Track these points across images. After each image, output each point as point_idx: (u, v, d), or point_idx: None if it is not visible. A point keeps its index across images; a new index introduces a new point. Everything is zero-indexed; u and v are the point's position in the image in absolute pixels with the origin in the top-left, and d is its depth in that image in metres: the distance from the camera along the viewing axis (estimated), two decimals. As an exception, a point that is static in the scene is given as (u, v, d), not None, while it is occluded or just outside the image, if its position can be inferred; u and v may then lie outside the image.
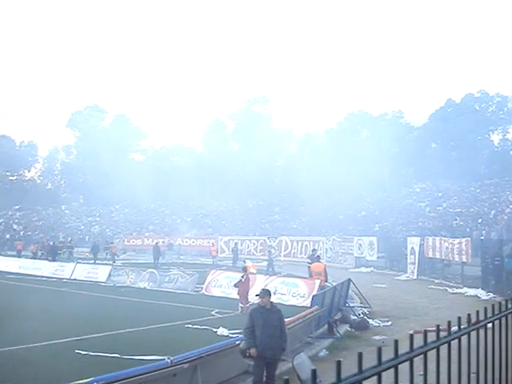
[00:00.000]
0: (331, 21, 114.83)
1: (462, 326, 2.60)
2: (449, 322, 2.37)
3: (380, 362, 1.92)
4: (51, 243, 49.23)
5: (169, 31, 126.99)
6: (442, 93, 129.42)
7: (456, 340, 2.51)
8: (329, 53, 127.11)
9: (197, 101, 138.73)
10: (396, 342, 2.12)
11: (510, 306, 3.04)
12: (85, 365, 11.96)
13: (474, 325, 2.58)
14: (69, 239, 56.30)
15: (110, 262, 40.59)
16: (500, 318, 2.91)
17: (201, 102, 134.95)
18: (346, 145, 71.98)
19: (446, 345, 2.47)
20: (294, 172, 76.21)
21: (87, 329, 16.18)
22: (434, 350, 2.25)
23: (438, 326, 2.17)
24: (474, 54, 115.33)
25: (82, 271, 32.75)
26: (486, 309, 2.95)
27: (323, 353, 14.19)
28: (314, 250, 33.42)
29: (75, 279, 31.64)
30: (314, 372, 1.86)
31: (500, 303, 3.11)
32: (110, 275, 30.51)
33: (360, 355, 1.89)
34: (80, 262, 37.24)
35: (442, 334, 2.30)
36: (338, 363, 1.74)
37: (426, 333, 2.14)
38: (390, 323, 18.06)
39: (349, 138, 74.58)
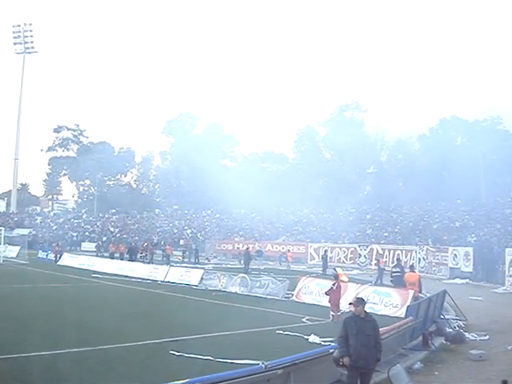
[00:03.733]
0: (419, 23, 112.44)
1: None
2: None
3: None
4: (132, 244, 52.04)
5: (260, 37, 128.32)
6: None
7: None
8: (420, 57, 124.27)
9: (288, 107, 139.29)
10: None
11: None
12: (179, 366, 12.16)
13: None
14: (154, 241, 58.37)
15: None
16: None
17: (292, 109, 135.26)
18: (440, 151, 69.97)
19: None
20: (385, 179, 75.05)
21: (181, 330, 16.51)
22: None
23: None
24: None
25: (176, 274, 33.51)
26: None
27: (418, 365, 13.84)
28: (398, 259, 32.77)
29: (169, 281, 32.42)
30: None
31: None
32: (202, 279, 31.04)
33: None
34: (173, 265, 38.25)
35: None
36: None
37: None
38: (487, 337, 17.39)
39: (443, 144, 72.47)
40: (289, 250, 51.12)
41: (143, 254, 47.92)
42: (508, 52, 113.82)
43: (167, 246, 52.07)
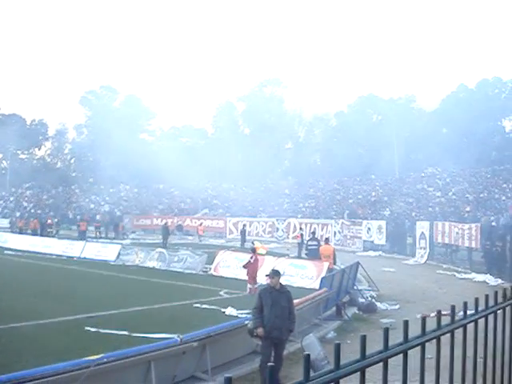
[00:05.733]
0: (344, 3, 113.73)
1: (477, 310, 2.54)
2: (465, 304, 2.31)
3: (387, 347, 1.84)
4: (46, 221, 52.56)
5: (181, 12, 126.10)
6: (455, 78, 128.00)
7: (472, 324, 2.43)
8: (340, 35, 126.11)
9: (207, 82, 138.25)
10: (406, 322, 2.05)
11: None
12: (94, 342, 12.03)
13: (492, 307, 2.54)
14: (70, 216, 58.13)
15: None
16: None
17: (211, 84, 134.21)
18: (356, 128, 71.63)
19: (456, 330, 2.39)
20: (303, 155, 76.22)
21: (97, 306, 16.27)
22: (449, 333, 2.17)
23: (453, 308, 2.10)
24: (489, 40, 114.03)
25: (92, 250, 32.92)
26: (496, 292, 2.92)
27: (331, 334, 14.27)
28: (313, 232, 33.44)
29: (85, 258, 31.83)
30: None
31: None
32: (119, 254, 30.65)
33: (363, 338, 1.85)
34: (90, 241, 37.54)
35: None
36: (337, 347, 1.68)
37: (440, 315, 2.05)
38: (398, 307, 18.12)
39: (359, 121, 74.21)
40: (201, 224, 51.03)
41: (51, 230, 48.33)
42: (423, 35, 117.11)
43: (81, 222, 51.22)
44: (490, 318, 2.64)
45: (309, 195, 61.58)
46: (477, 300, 2.46)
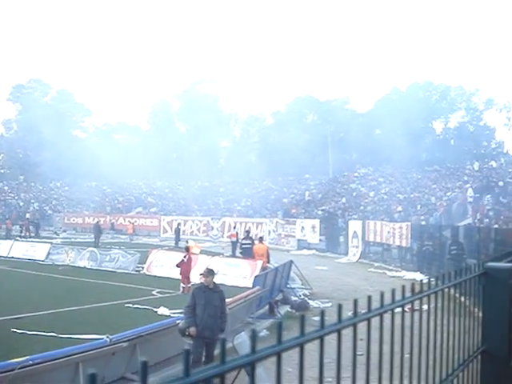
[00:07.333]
0: (281, 4, 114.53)
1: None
2: (382, 294, 2.39)
3: (323, 326, 1.88)
4: None
5: (116, 7, 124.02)
6: (388, 81, 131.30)
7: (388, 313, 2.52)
8: (278, 37, 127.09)
9: (143, 79, 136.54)
10: (340, 306, 2.08)
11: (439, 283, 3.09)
12: (20, 344, 11.67)
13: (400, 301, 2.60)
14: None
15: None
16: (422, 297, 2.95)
17: (147, 81, 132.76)
18: (292, 128, 72.34)
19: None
20: (239, 153, 76.41)
21: (24, 307, 15.76)
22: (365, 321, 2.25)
23: (369, 297, 2.17)
24: (420, 44, 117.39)
25: (20, 249, 31.96)
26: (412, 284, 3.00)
27: (263, 333, 14.28)
28: (247, 231, 33.54)
29: (12, 257, 30.84)
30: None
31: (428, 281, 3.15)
32: (48, 253, 29.87)
33: (302, 317, 1.85)
34: (18, 240, 36.46)
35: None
36: (253, 332, 1.67)
37: (355, 303, 2.13)
38: (330, 304, 18.32)
39: (295, 121, 74.98)
40: (130, 222, 50.41)
41: None
42: (358, 39, 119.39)
43: (7, 221, 49.80)
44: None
45: (244, 194, 61.73)
46: (393, 291, 2.54)
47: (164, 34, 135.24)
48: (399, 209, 41.36)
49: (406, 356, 2.65)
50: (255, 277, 18.30)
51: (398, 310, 2.61)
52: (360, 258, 34.00)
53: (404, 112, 67.36)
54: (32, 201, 69.25)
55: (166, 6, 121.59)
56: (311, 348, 2.23)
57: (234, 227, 42.60)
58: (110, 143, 79.70)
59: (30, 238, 45.38)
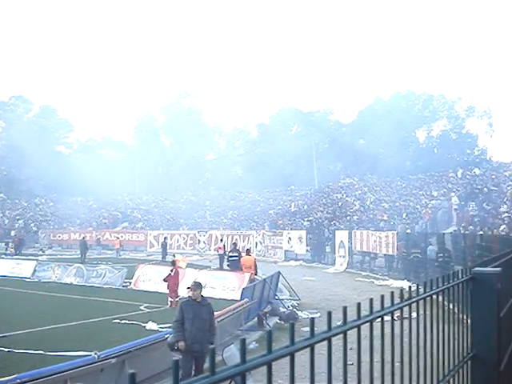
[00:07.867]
0: (263, 16, 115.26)
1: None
2: (371, 301, 2.40)
3: (313, 335, 1.88)
4: None
5: (100, 21, 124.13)
6: (371, 91, 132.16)
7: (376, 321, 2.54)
8: (260, 49, 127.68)
9: (127, 94, 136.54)
10: (329, 313, 2.09)
11: (425, 290, 3.11)
12: (8, 362, 11.55)
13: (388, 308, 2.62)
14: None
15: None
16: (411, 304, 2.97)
17: (131, 95, 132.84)
18: (276, 139, 72.58)
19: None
20: (224, 166, 76.47)
21: (11, 325, 15.58)
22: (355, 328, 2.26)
23: (359, 304, 2.18)
24: (402, 54, 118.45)
25: (6, 266, 31.65)
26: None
27: (253, 345, 14.21)
28: (234, 243, 33.45)
29: (-2, 275, 30.52)
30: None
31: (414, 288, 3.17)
32: (35, 271, 29.62)
33: (292, 326, 1.85)
34: (3, 257, 36.14)
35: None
36: (243, 342, 1.66)
37: (345, 310, 2.13)
38: (318, 315, 18.28)
39: (280, 132, 75.25)
40: (116, 237, 50.12)
41: None
42: (339, 50, 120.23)
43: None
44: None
45: (230, 207, 61.70)
46: (382, 297, 2.56)
47: (148, 49, 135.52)
48: (385, 218, 41.52)
49: (397, 364, 2.65)
50: (243, 289, 18.25)
51: (388, 318, 2.61)
52: (347, 268, 34.03)
53: (387, 122, 67.82)
54: (17, 217, 68.66)
55: (150, 21, 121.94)
56: (302, 359, 2.23)
57: (221, 240, 42.46)
58: (94, 158, 79.39)
59: (16, 255, 44.90)
